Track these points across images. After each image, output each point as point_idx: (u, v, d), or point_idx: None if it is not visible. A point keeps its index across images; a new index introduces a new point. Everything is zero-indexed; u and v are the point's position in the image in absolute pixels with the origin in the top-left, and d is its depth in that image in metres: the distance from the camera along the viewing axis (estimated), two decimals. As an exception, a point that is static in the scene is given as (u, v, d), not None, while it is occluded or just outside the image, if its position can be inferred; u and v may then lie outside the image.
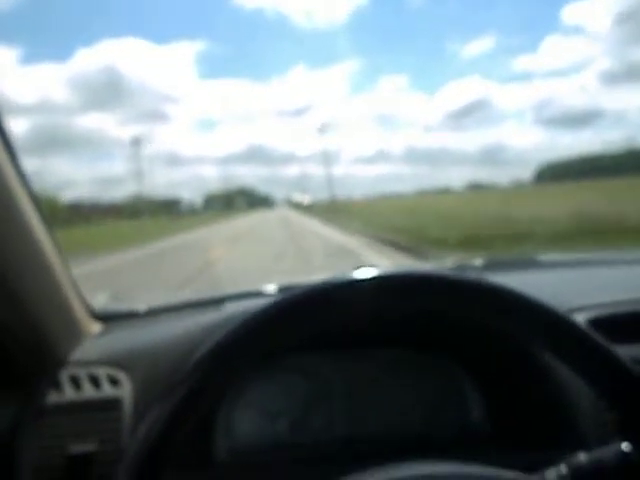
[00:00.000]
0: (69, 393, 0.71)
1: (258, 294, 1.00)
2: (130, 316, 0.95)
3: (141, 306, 0.97)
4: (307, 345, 0.82)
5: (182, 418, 0.40)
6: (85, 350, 0.78)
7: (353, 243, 10.33)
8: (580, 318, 0.74)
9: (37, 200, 0.72)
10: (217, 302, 0.95)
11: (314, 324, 0.42)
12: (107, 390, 0.71)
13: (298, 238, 13.32)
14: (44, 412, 0.69)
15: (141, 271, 8.15)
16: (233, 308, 0.89)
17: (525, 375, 0.77)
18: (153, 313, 0.96)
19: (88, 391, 0.71)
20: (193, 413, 0.40)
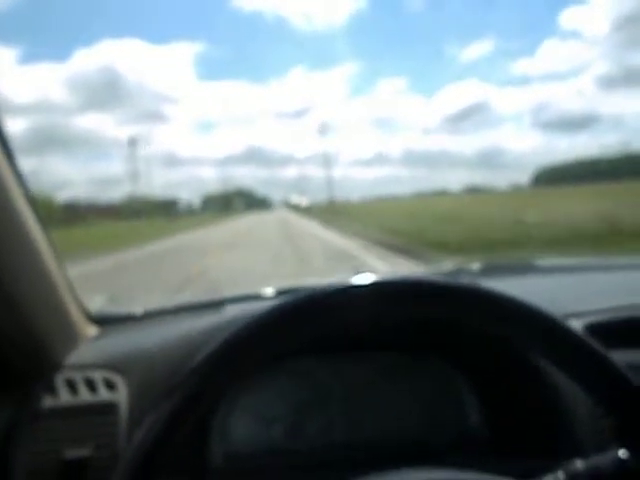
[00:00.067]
0: (65, 397, 0.70)
1: (256, 297, 1.00)
2: (127, 319, 0.94)
3: (138, 309, 0.97)
4: (304, 349, 0.82)
5: (179, 423, 0.39)
6: (81, 353, 0.78)
7: (353, 246, 10.31)
8: (577, 324, 0.74)
9: (34, 201, 0.71)
10: (215, 305, 0.94)
11: (314, 328, 0.42)
12: (103, 394, 0.71)
13: (297, 240, 13.31)
14: (39, 416, 0.68)
15: (127, 277, 7.83)
16: (231, 311, 0.89)
17: (522, 380, 0.77)
18: (150, 316, 0.95)
19: (84, 395, 0.71)
20: (191, 418, 0.40)
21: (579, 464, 0.44)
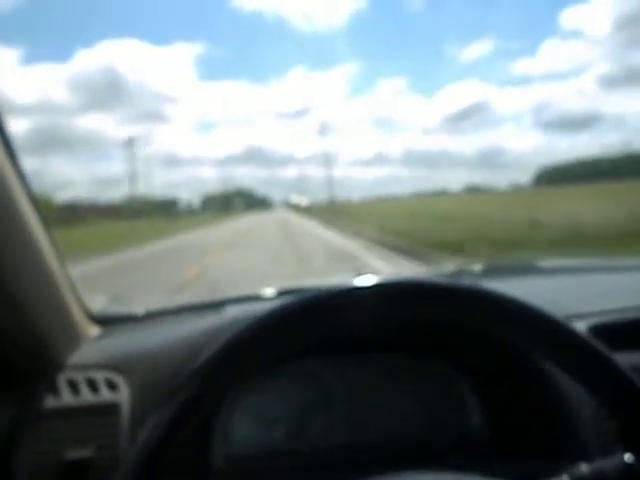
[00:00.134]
0: (67, 397, 0.70)
1: (257, 298, 1.00)
2: (128, 319, 0.94)
3: (140, 309, 0.97)
4: (307, 350, 0.82)
5: (182, 424, 0.39)
6: (83, 354, 0.78)
7: (354, 246, 10.29)
8: (580, 325, 0.74)
9: (36, 201, 0.71)
10: (216, 305, 0.94)
11: (317, 330, 0.42)
12: (105, 394, 0.71)
13: (297, 240, 13.31)
14: (41, 416, 0.68)
15: (126, 278, 7.71)
16: (233, 312, 0.89)
17: (525, 381, 0.77)
18: (152, 316, 0.95)
19: (86, 395, 0.71)
20: (193, 419, 0.40)
21: (584, 468, 0.44)
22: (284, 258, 8.55)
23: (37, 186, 0.77)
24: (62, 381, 0.72)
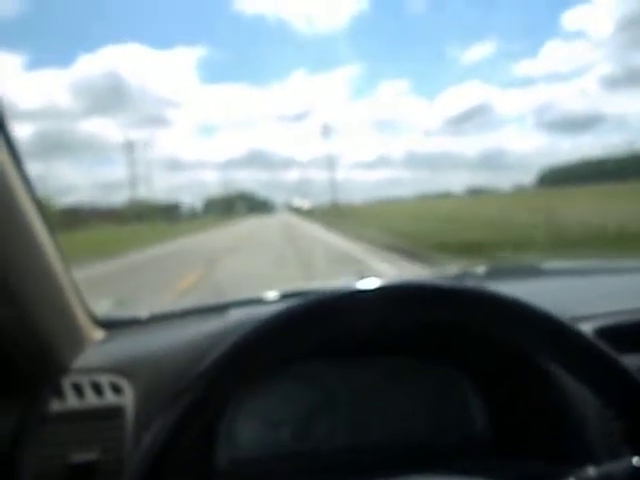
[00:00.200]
0: (71, 401, 0.70)
1: (261, 301, 1.00)
2: (133, 323, 0.95)
3: (144, 313, 0.97)
4: (310, 353, 0.82)
5: (186, 427, 0.39)
6: (87, 357, 0.78)
7: (357, 250, 10.23)
8: (586, 327, 0.73)
9: (40, 205, 0.72)
10: (220, 309, 0.94)
11: (321, 333, 0.42)
12: (109, 398, 0.71)
13: (300, 242, 13.29)
14: (46, 420, 0.69)
15: (125, 283, 7.54)
16: (237, 315, 0.89)
17: (529, 383, 0.77)
18: (156, 320, 0.96)
19: (90, 399, 0.71)
20: (198, 422, 0.40)
21: (591, 471, 0.44)
22: (287, 262, 8.53)
23: (41, 191, 0.77)
24: (67, 385, 0.72)
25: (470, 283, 0.46)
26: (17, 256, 0.64)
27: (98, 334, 0.87)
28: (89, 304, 0.85)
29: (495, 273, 1.15)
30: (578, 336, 0.43)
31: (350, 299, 0.42)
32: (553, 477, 0.45)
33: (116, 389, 0.72)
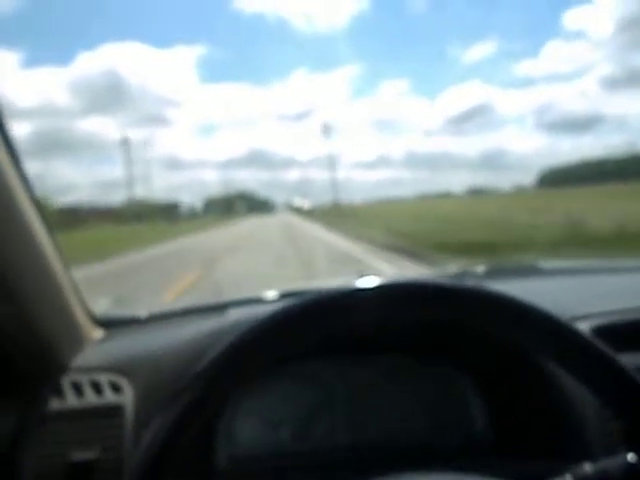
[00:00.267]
0: (71, 400, 0.71)
1: (260, 300, 1.00)
2: (132, 322, 0.95)
3: (143, 312, 0.97)
4: (310, 352, 0.82)
5: (186, 427, 0.39)
6: (87, 356, 0.78)
7: (358, 250, 10.22)
8: (584, 326, 0.74)
9: (39, 204, 0.72)
10: (219, 308, 0.94)
11: (320, 332, 0.42)
12: (109, 397, 0.71)
13: (300, 242, 13.29)
14: (46, 419, 0.69)
15: (123, 284, 7.44)
16: (235, 314, 0.89)
17: (528, 382, 0.77)
18: (155, 319, 0.96)
19: (90, 398, 0.71)
20: (197, 421, 0.40)
21: (587, 467, 0.44)
22: (287, 262, 8.53)
23: (39, 190, 0.77)
24: (66, 384, 0.72)
25: (470, 282, 0.46)
26: (16, 255, 0.64)
27: (97, 333, 0.87)
28: (88, 303, 0.85)
29: (495, 273, 1.15)
30: (576, 335, 0.43)
31: (348, 298, 0.42)
32: (550, 474, 0.45)
33: (115, 388, 0.72)
